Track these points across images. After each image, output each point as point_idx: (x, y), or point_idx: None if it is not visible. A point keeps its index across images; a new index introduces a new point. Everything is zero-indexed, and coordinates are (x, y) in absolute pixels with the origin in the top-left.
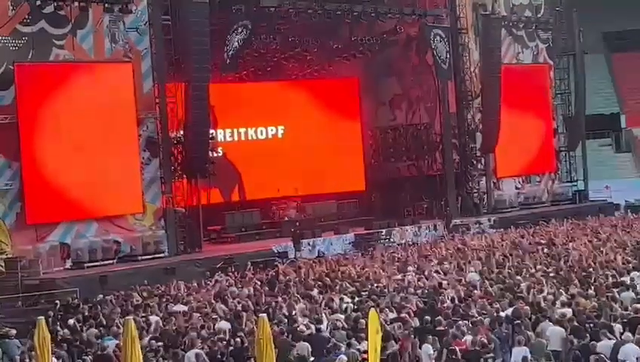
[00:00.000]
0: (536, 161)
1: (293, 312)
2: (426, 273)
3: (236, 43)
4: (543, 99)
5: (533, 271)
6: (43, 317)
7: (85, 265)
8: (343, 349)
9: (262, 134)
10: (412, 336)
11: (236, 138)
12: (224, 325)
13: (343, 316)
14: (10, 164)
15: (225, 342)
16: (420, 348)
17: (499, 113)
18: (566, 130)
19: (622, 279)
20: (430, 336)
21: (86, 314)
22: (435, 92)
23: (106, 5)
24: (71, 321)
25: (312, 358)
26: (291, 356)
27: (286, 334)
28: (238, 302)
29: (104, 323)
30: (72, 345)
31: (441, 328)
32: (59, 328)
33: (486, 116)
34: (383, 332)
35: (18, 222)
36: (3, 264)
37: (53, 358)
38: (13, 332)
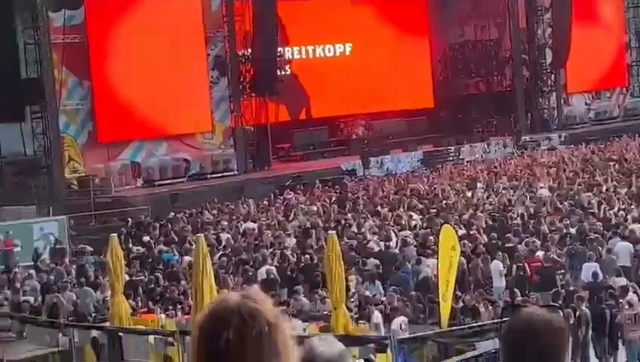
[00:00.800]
0: (607, 76)
1: (363, 229)
2: (495, 190)
3: None
4: (615, 12)
5: (603, 187)
6: (116, 235)
7: (156, 183)
8: (411, 266)
9: (330, 52)
10: (482, 253)
11: (304, 56)
12: (293, 242)
13: (411, 233)
14: (82, 83)
15: (294, 259)
16: (490, 264)
17: (570, 27)
18: (638, 44)
19: None
20: (500, 253)
21: (157, 231)
22: (505, 7)
23: None
24: (145, 238)
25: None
26: (361, 272)
27: (355, 251)
28: (307, 220)
29: (176, 240)
30: (145, 262)
31: (511, 245)
32: (131, 245)
33: (556, 31)
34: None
35: (90, 141)
36: (76, 182)
37: (126, 275)
38: (89, 249)
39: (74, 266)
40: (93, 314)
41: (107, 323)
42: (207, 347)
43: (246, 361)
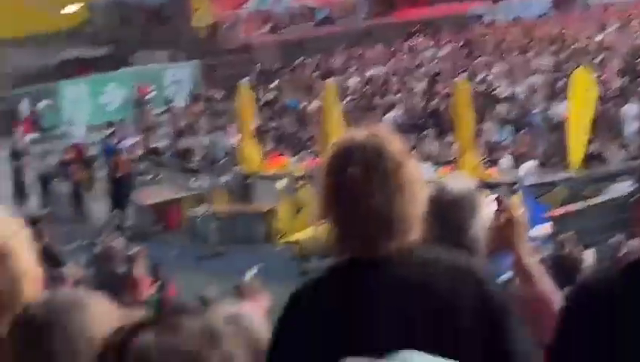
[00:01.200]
0: None
1: (491, 74)
2: (628, 33)
3: None
4: None
5: None
6: (245, 80)
7: (283, 30)
8: (542, 110)
9: None
10: (614, 96)
11: None
12: (422, 87)
13: (542, 76)
14: None
15: (422, 105)
16: (623, 108)
17: None
18: None
19: None
20: (633, 96)
21: (286, 77)
22: None
23: None
24: (273, 85)
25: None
26: (490, 117)
27: (484, 96)
28: (436, 65)
29: (304, 86)
30: (274, 107)
31: None
32: (260, 92)
33: None
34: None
35: None
36: (204, 30)
37: (256, 119)
38: (218, 95)
39: (206, 112)
40: (224, 159)
41: (238, 168)
42: (333, 182)
43: (371, 196)
